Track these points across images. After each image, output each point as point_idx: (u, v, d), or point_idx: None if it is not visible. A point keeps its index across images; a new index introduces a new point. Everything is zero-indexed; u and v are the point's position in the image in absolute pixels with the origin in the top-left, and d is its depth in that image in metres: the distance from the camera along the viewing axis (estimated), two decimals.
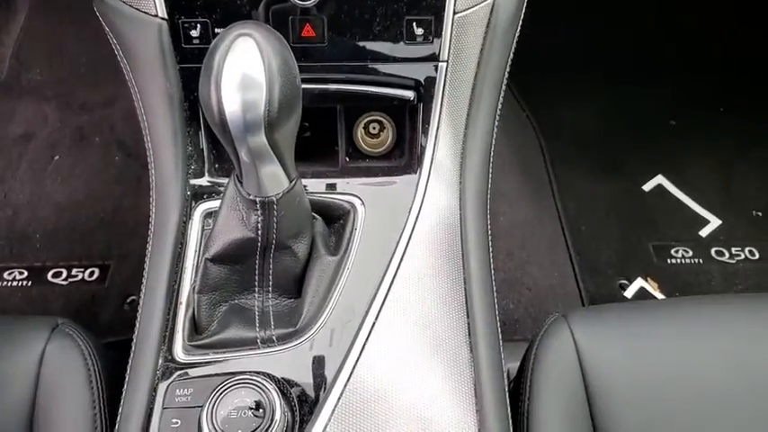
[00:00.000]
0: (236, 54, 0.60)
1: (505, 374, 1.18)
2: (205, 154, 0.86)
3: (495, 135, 0.90)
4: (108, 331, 1.40)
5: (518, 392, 0.84)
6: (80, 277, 1.54)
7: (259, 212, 0.68)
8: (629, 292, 1.55)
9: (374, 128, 0.91)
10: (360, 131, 0.91)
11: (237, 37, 0.60)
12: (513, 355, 0.98)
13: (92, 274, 1.55)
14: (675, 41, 2.04)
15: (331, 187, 0.87)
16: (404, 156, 0.89)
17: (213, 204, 0.83)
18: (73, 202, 1.66)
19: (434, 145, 0.85)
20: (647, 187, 1.76)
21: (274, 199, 0.68)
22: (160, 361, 0.72)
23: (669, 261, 1.61)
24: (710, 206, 1.71)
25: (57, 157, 1.76)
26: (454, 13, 0.79)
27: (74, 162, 1.74)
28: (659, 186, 1.76)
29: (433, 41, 0.80)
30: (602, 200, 1.72)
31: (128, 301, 1.48)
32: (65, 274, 1.55)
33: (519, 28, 0.87)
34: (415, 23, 0.79)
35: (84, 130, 1.81)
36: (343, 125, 0.89)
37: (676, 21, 2.07)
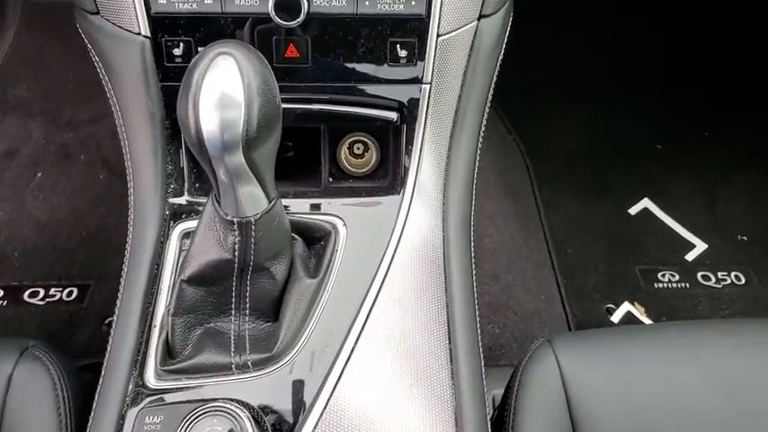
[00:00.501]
0: (216, 72, 0.59)
1: (491, 400, 1.17)
2: (185, 173, 0.85)
3: (478, 157, 0.89)
4: (84, 353, 1.36)
5: (502, 419, 0.82)
6: (58, 297, 1.51)
7: (236, 233, 0.67)
8: (615, 317, 1.55)
9: (358, 148, 0.90)
10: (344, 151, 0.90)
11: (217, 55, 0.60)
12: (498, 381, 0.96)
13: (70, 293, 1.52)
14: (662, 67, 2.07)
15: (313, 207, 0.86)
16: (387, 176, 0.88)
17: (192, 224, 0.82)
18: (54, 219, 1.64)
19: (417, 166, 0.84)
20: (633, 211, 1.77)
21: (252, 219, 0.67)
22: (130, 386, 0.70)
23: (656, 285, 1.61)
24: (696, 230, 1.72)
25: (39, 175, 1.73)
26: (438, 35, 0.79)
27: (57, 179, 1.72)
28: (645, 210, 1.77)
29: (416, 63, 0.80)
30: (589, 223, 1.72)
31: (106, 322, 1.45)
32: (42, 293, 1.52)
33: (503, 51, 0.88)
34: (398, 45, 0.79)
35: (69, 148, 1.79)
36: (327, 145, 0.88)
37: (663, 46, 2.11)
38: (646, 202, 1.78)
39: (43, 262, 1.57)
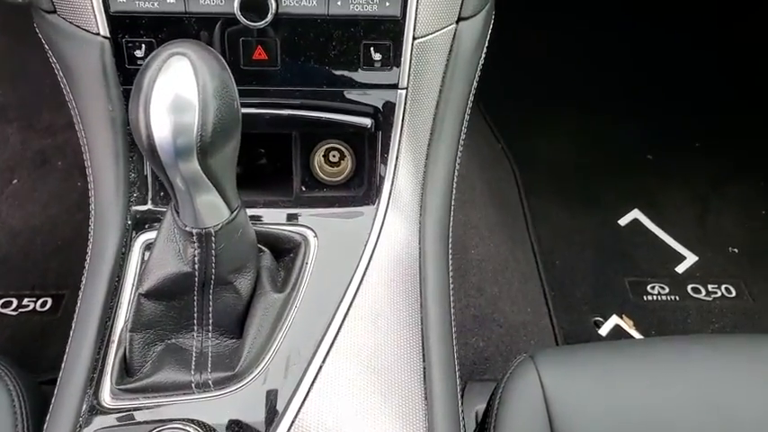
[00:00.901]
0: (169, 74, 0.56)
1: (473, 415, 1.13)
2: (149, 180, 0.82)
3: (458, 166, 0.86)
4: (54, 366, 1.31)
5: None
6: (31, 307, 1.46)
7: (196, 245, 0.63)
8: (603, 330, 1.51)
9: (334, 156, 0.87)
10: (319, 159, 0.87)
11: (171, 56, 0.56)
12: (482, 396, 0.93)
13: (44, 304, 1.47)
14: (654, 76, 2.06)
15: (287, 217, 0.82)
16: (362, 185, 0.85)
17: (155, 235, 0.78)
18: (28, 227, 1.59)
19: (393, 175, 0.81)
20: (623, 221, 1.74)
21: (212, 231, 0.63)
22: (84, 406, 0.66)
23: (645, 298, 1.57)
24: (687, 242, 1.69)
25: (15, 181, 1.69)
26: (414, 38, 0.76)
27: (33, 186, 1.68)
28: (635, 221, 1.74)
29: (391, 68, 0.77)
30: (577, 234, 1.69)
31: None
32: (15, 303, 1.47)
33: (483, 55, 0.85)
34: (372, 48, 0.76)
35: (46, 154, 1.75)
36: (299, 152, 0.85)
37: (655, 56, 2.09)
38: (636, 213, 1.76)
39: (16, 271, 1.52)
